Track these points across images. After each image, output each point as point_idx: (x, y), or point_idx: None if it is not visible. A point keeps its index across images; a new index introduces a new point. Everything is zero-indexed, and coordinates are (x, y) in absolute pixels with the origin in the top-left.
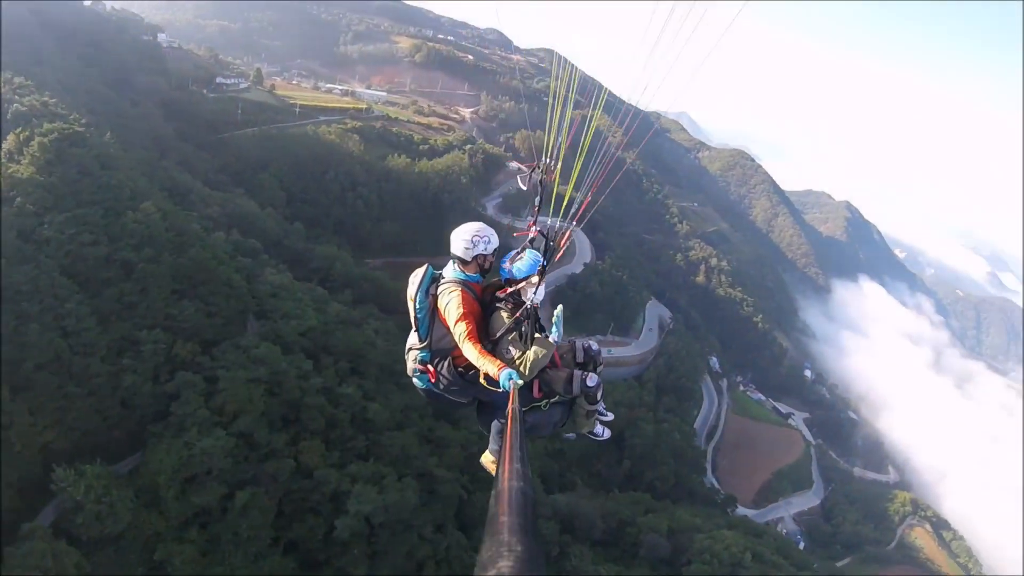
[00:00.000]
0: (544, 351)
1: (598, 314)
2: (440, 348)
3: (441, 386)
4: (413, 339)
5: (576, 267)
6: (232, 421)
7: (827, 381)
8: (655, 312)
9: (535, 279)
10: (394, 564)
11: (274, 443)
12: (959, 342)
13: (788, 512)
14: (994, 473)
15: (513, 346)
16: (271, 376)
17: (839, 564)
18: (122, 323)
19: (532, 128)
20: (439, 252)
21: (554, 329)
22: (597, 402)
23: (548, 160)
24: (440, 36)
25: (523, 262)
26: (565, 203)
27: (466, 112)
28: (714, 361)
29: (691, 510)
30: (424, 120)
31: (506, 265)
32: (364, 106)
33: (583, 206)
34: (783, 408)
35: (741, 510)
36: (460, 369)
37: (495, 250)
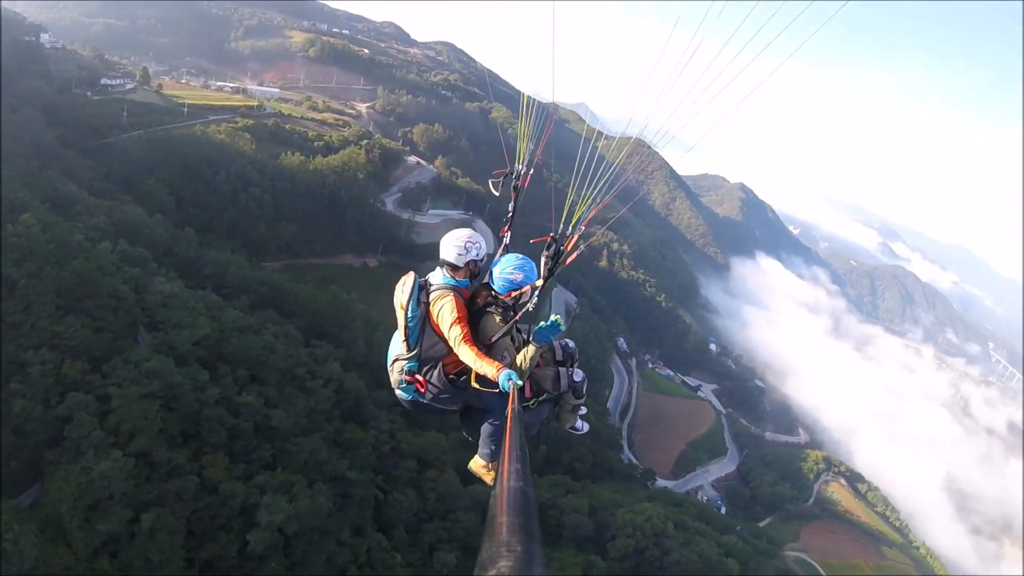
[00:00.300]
0: (534, 351)
1: None
2: (427, 357)
3: (429, 396)
4: (399, 349)
5: None
6: (129, 441)
7: (732, 353)
8: (561, 299)
9: (538, 283)
10: (314, 573)
11: (175, 460)
12: (856, 309)
13: (707, 480)
14: (899, 426)
15: (507, 350)
16: (166, 390)
17: (761, 524)
18: (7, 344)
19: (431, 121)
20: (338, 251)
21: (537, 335)
22: (583, 396)
23: (521, 166)
24: (335, 30)
25: (522, 270)
26: (567, 210)
27: (362, 107)
28: (621, 342)
29: (611, 487)
30: (319, 116)
31: (514, 276)
32: (256, 103)
33: (594, 211)
34: (692, 381)
35: (660, 482)
36: (451, 376)
37: (484, 255)
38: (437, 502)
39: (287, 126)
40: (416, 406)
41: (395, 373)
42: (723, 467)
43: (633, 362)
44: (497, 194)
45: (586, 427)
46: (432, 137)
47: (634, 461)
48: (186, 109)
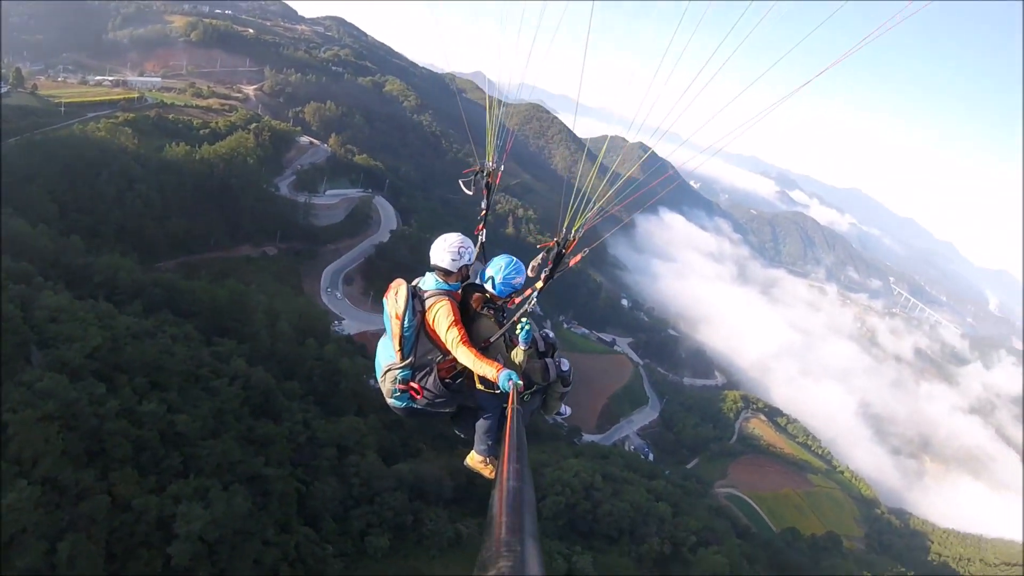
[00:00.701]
0: (523, 354)
1: (409, 280)
2: (420, 364)
3: (424, 402)
4: (391, 359)
5: (383, 235)
6: (33, 467)
7: (644, 306)
8: (472, 269)
9: (539, 285)
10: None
11: (83, 481)
12: (759, 255)
13: (632, 430)
14: (811, 360)
15: (499, 351)
16: (63, 409)
17: (688, 466)
18: None
19: (322, 99)
20: (235, 243)
21: (524, 334)
22: (570, 383)
23: (491, 164)
24: (218, 11)
25: (520, 273)
26: (569, 215)
27: (250, 89)
28: (536, 306)
29: (537, 448)
30: (204, 103)
31: (516, 280)
32: (136, 95)
33: (596, 209)
34: (607, 337)
35: (587, 437)
36: (447, 380)
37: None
38: (362, 487)
39: (171, 116)
40: (409, 412)
41: (387, 383)
42: (646, 416)
43: (548, 324)
44: (470, 193)
45: (568, 410)
46: (325, 115)
47: (559, 420)
48: (63, 109)
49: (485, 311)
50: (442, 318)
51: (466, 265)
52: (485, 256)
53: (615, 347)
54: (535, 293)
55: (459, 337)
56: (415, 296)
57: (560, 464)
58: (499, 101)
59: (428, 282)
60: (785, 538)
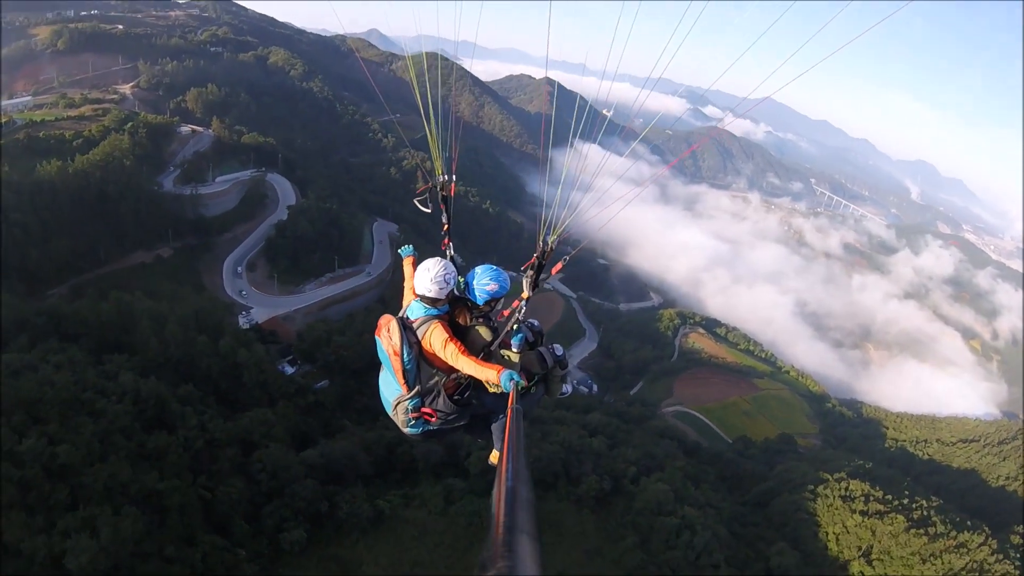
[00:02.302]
0: (516, 356)
1: (315, 254)
2: (427, 390)
3: (439, 423)
4: (398, 391)
5: (281, 213)
6: None
7: (569, 239)
8: (384, 231)
9: (524, 295)
10: None
11: None
12: (680, 174)
13: (572, 364)
14: (741, 268)
15: (494, 356)
16: None
17: (632, 392)
18: None
19: (203, 83)
20: (125, 252)
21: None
22: (567, 366)
23: (443, 176)
24: (83, 12)
25: (497, 281)
26: (545, 224)
27: (126, 88)
28: (457, 258)
29: None
30: (76, 112)
31: (490, 287)
32: (4, 120)
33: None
34: None
35: None
36: (456, 397)
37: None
38: (271, 481)
39: (41, 134)
40: (427, 435)
41: (400, 415)
42: (585, 347)
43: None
44: (428, 211)
45: (569, 389)
46: (207, 100)
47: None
48: None
49: (474, 321)
50: (437, 339)
51: (452, 290)
52: (456, 266)
53: (545, 286)
54: (523, 303)
55: (457, 350)
56: (407, 328)
57: None
58: (439, 111)
59: (416, 311)
60: (736, 448)
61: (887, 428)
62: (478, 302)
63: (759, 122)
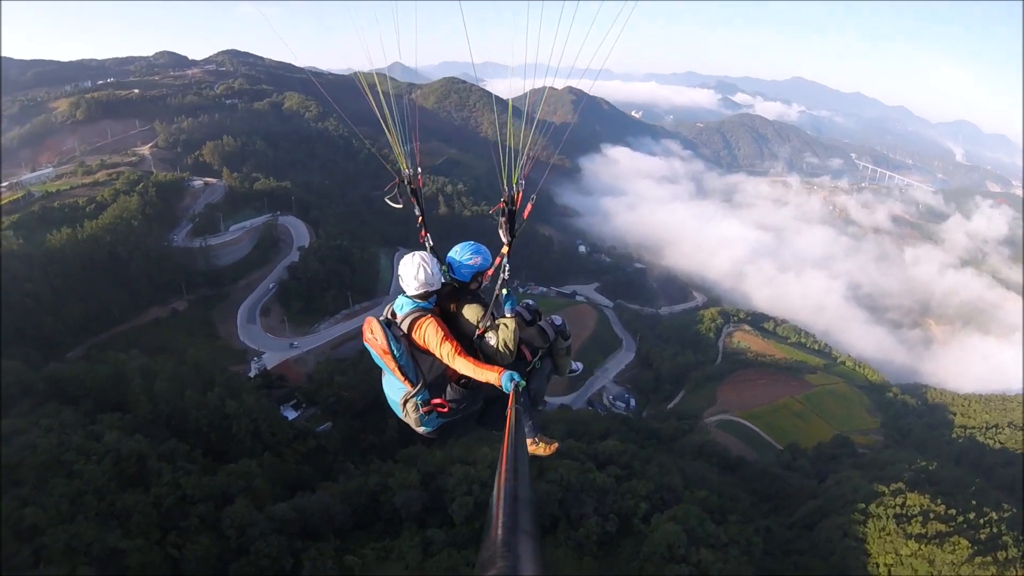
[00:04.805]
0: (512, 324)
1: (328, 292)
2: (432, 380)
3: (452, 412)
4: (403, 389)
5: (294, 256)
6: None
7: (604, 247)
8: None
9: (504, 250)
10: None
11: None
12: (715, 165)
13: (607, 379)
14: (786, 256)
15: (490, 337)
16: None
17: (672, 404)
18: None
19: (219, 136)
20: (140, 309)
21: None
22: (569, 335)
23: (409, 170)
24: (100, 82)
25: (479, 254)
26: (505, 168)
27: (144, 149)
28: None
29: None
30: (90, 179)
31: (473, 261)
32: (21, 195)
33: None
34: (566, 290)
35: (556, 401)
36: (463, 382)
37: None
38: (239, 537)
39: (56, 204)
40: (443, 429)
41: (411, 413)
42: (622, 359)
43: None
44: (400, 207)
45: (580, 366)
46: (224, 151)
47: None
48: None
49: (464, 300)
50: (431, 336)
51: (438, 280)
52: (439, 255)
53: (576, 298)
54: (505, 259)
55: (453, 350)
56: (390, 326)
57: (470, 458)
58: (393, 101)
59: (403, 305)
60: (784, 458)
61: (954, 414)
62: (464, 279)
63: (791, 102)
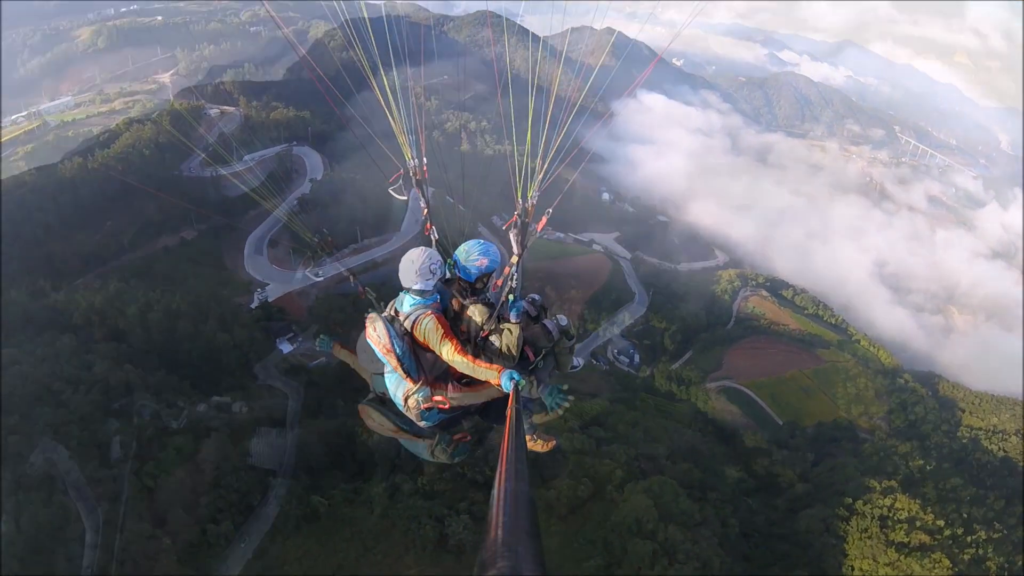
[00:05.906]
0: (517, 331)
1: (339, 225)
2: (434, 377)
3: (451, 408)
4: (404, 386)
5: (304, 188)
6: None
7: (627, 196)
8: (418, 196)
9: (514, 259)
10: None
11: None
12: (754, 122)
13: (615, 332)
14: (815, 223)
15: (494, 340)
16: None
17: (677, 364)
18: None
19: (241, 64)
20: (150, 238)
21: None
22: (573, 336)
23: (414, 161)
24: (123, 9)
25: (486, 255)
26: (521, 182)
27: (165, 77)
28: (495, 219)
29: None
30: (107, 108)
31: (480, 262)
32: (38, 124)
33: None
34: (584, 237)
35: None
36: (464, 381)
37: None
38: (214, 472)
39: (70, 133)
40: (445, 424)
41: (413, 409)
42: (633, 312)
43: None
44: (404, 199)
45: (581, 362)
46: (246, 79)
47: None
48: None
49: (468, 301)
50: (432, 334)
51: (440, 278)
52: (442, 250)
53: (593, 246)
54: (514, 269)
55: (453, 349)
56: (392, 323)
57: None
58: (399, 99)
59: (405, 304)
60: (783, 434)
61: (963, 411)
62: (470, 279)
63: (838, 66)
